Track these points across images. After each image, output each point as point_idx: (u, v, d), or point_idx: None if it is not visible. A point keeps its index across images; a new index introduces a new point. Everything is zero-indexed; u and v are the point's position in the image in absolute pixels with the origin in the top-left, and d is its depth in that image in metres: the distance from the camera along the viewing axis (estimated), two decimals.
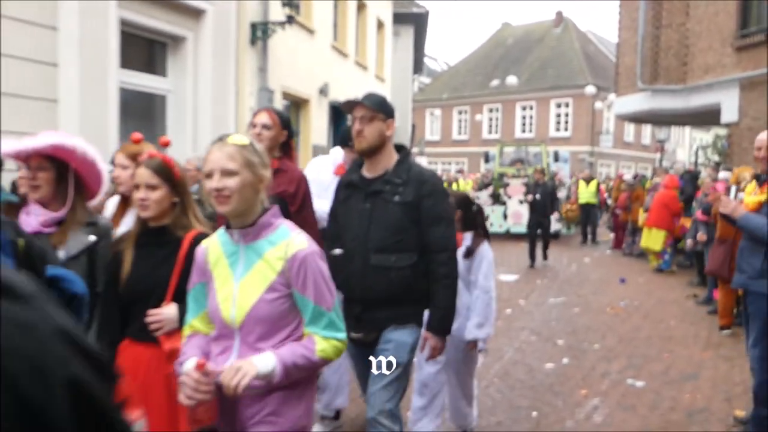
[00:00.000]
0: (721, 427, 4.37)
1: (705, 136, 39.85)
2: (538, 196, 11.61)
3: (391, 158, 2.90)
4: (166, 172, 2.43)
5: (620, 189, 14.88)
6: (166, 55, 8.49)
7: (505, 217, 16.32)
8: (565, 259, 13.06)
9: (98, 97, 6.94)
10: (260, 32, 9.59)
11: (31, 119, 5.90)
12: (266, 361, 1.93)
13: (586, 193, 16.13)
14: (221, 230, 2.11)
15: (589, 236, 16.30)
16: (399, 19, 20.35)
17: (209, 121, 8.76)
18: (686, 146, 41.58)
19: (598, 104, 29.46)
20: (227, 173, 1.95)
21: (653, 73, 13.47)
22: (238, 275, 2.02)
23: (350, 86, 14.71)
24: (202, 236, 2.33)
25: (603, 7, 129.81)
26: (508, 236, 15.72)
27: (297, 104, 12.18)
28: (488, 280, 3.68)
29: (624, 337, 6.83)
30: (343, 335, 2.07)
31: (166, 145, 3.22)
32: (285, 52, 10.70)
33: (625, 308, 8.35)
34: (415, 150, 28.47)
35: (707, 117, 13.90)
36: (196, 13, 8.53)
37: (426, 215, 2.79)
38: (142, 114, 8.31)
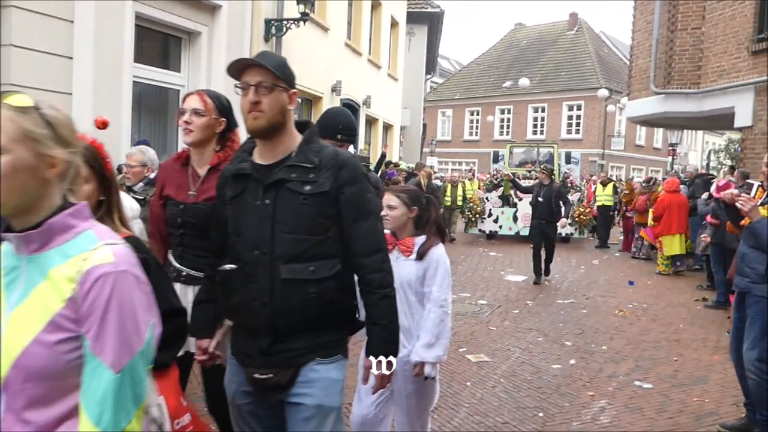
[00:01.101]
0: None
1: (718, 140, 39.59)
2: (540, 199, 10.09)
3: (293, 139, 2.21)
4: (96, 162, 1.97)
5: (634, 192, 14.75)
6: (180, 50, 8.54)
7: (515, 219, 15.92)
8: (573, 261, 13.02)
9: (112, 91, 7.00)
10: (274, 29, 9.64)
11: None
12: None
13: (603, 196, 15.89)
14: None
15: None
16: (413, 18, 20.36)
17: None
18: (698, 150, 41.33)
19: (611, 107, 29.32)
20: None
21: (666, 76, 13.40)
22: (11, 303, 1.32)
23: (363, 84, 14.76)
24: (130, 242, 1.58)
25: (617, 9, 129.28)
26: (519, 238, 15.55)
27: (309, 101, 12.22)
28: (443, 291, 3.05)
29: (632, 340, 6.81)
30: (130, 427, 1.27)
31: (104, 126, 2.74)
32: (299, 49, 10.73)
33: (634, 310, 8.32)
34: (426, 150, 28.47)
35: (720, 121, 13.82)
36: (211, 9, 8.59)
37: (348, 208, 2.17)
38: (155, 109, 8.38)
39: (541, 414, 4.60)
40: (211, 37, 8.68)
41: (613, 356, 6.16)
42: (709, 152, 27.91)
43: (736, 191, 4.23)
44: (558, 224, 10.19)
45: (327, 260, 2.16)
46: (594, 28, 40.56)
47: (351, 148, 4.02)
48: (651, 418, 4.58)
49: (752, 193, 4.21)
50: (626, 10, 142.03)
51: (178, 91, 8.46)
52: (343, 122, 3.53)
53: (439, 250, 3.09)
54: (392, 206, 3.04)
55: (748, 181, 4.41)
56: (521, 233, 15.44)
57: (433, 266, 3.04)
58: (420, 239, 3.09)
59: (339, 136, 3.41)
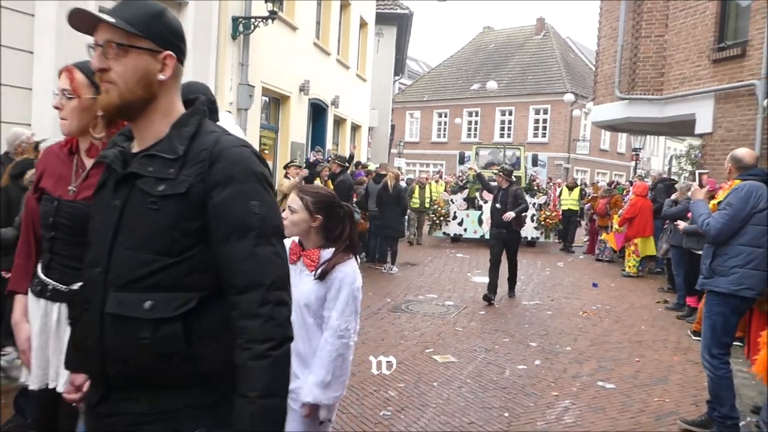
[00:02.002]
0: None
1: (679, 146, 40.50)
2: (498, 205, 8.89)
3: (171, 120, 1.62)
4: None
5: (598, 196, 14.98)
6: None
7: (480, 222, 15.61)
8: (539, 263, 13.17)
9: None
10: (242, 27, 9.54)
11: (5, 108, 5.80)
12: None
13: (569, 200, 15.82)
14: None
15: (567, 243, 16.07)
16: (382, 19, 20.37)
17: None
18: (660, 155, 42.23)
19: (576, 111, 29.78)
20: None
21: (631, 82, 13.65)
22: None
23: (331, 84, 14.72)
24: None
25: (583, 15, 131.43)
26: (485, 242, 15.54)
27: (277, 101, 12.13)
28: (345, 318, 2.53)
29: (595, 341, 6.91)
30: None
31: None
32: (266, 47, 10.65)
33: (597, 312, 8.45)
34: (394, 151, 28.52)
35: (682, 127, 14.11)
36: (178, 5, 8.46)
37: (217, 221, 1.54)
38: None
39: (506, 414, 4.63)
40: None
41: (577, 357, 6.24)
42: (671, 157, 28.53)
43: (695, 186, 4.61)
44: (504, 216, 8.63)
45: (176, 294, 1.52)
46: (561, 34, 41.16)
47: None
48: (613, 418, 4.65)
49: (698, 182, 4.55)
50: (592, 16, 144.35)
51: None
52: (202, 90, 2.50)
53: (346, 269, 2.58)
54: (293, 209, 2.61)
55: (698, 171, 4.88)
56: (487, 236, 14.90)
57: (336, 287, 2.55)
58: (326, 253, 2.60)
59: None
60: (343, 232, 2.65)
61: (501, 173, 9.28)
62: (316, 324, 2.59)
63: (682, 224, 8.48)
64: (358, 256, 2.79)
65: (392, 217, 11.07)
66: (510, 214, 8.53)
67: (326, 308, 2.56)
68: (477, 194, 16.16)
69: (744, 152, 4.36)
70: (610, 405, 4.92)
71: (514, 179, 15.79)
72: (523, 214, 8.94)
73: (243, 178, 1.56)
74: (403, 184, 12.69)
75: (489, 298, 8.57)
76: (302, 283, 2.56)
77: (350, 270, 2.60)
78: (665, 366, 6.04)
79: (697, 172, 4.74)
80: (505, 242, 8.82)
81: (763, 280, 4.00)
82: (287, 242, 2.58)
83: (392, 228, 11.13)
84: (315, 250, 2.61)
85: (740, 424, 4.23)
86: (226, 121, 2.68)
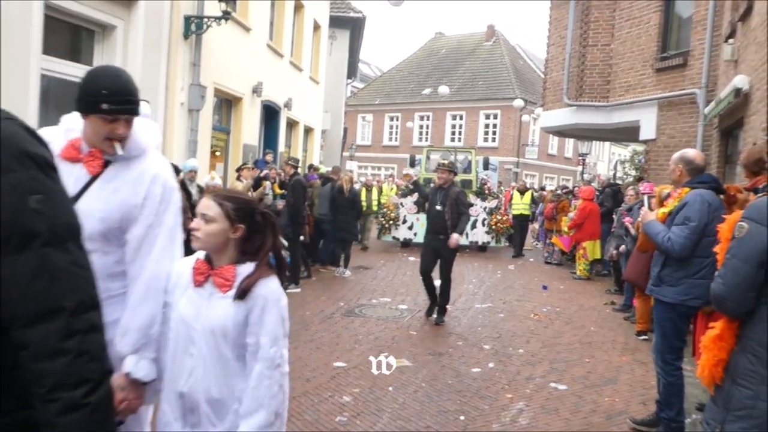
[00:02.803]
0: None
1: (623, 152, 41.68)
2: (438, 207, 7.70)
3: None
4: None
5: (547, 200, 15.23)
6: (93, 44, 8.16)
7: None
8: (490, 266, 13.34)
9: (18, 84, 6.60)
10: (194, 26, 9.38)
11: None
12: None
13: (520, 205, 15.75)
14: None
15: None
16: (335, 22, 20.36)
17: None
18: (606, 160, 43.38)
19: (525, 117, 30.33)
20: None
21: (578, 89, 13.99)
22: None
23: (284, 86, 14.60)
24: None
25: (532, 23, 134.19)
26: None
27: (230, 102, 11.96)
28: (278, 343, 2.13)
29: (547, 343, 7.04)
30: None
31: None
32: (219, 48, 10.49)
33: (548, 314, 8.61)
34: (346, 154, 28.49)
35: (627, 133, 14.56)
36: (128, 2, 8.25)
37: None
38: (65, 104, 7.93)
39: (462, 417, 4.66)
40: (127, 31, 8.33)
41: (529, 359, 6.34)
42: (616, 162, 29.35)
43: (643, 208, 4.56)
44: (450, 242, 7.53)
45: None
46: (510, 41, 41.88)
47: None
48: (566, 419, 4.74)
49: (645, 205, 4.52)
50: (541, 24, 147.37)
51: None
52: (107, 86, 2.21)
53: (271, 285, 2.17)
54: (209, 217, 2.15)
55: (641, 192, 4.88)
56: None
57: (260, 307, 2.12)
58: (245, 269, 2.17)
59: (104, 106, 2.18)
60: (265, 244, 2.24)
61: (442, 167, 7.99)
62: (235, 356, 2.13)
63: (614, 253, 8.73)
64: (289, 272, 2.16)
65: (346, 221, 11.05)
66: (456, 238, 7.51)
67: (249, 333, 2.12)
68: None
69: (695, 153, 4.30)
70: (562, 406, 5.01)
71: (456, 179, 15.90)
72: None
73: (13, 165, 1.14)
74: (357, 187, 12.62)
75: (429, 312, 7.97)
76: (214, 308, 2.13)
77: (275, 286, 2.19)
78: (614, 366, 6.20)
79: (644, 198, 4.73)
80: (439, 251, 7.75)
81: (709, 289, 4.08)
82: (191, 259, 2.25)
83: (346, 231, 11.10)
84: (229, 267, 2.17)
85: (686, 422, 4.36)
86: (144, 110, 2.47)
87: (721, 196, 4.20)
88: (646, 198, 4.61)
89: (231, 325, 2.11)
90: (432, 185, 8.70)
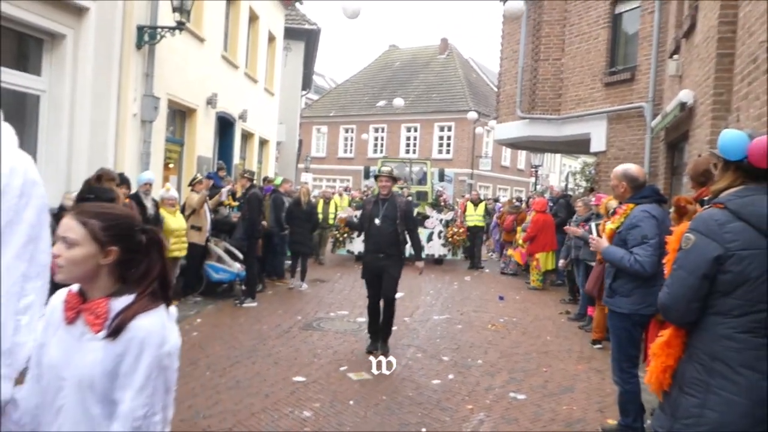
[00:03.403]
0: None
1: (574, 163, 42.67)
2: (377, 221, 6.64)
3: None
4: None
5: (505, 212, 15.29)
6: (41, 53, 7.93)
7: None
8: (447, 278, 13.43)
9: None
10: (147, 36, 9.20)
11: None
12: None
13: (474, 216, 15.63)
14: None
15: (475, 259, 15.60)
16: (290, 33, 20.29)
17: (87, 127, 8.27)
18: (557, 172, 44.31)
19: (479, 129, 30.74)
20: None
21: (531, 102, 14.30)
22: None
23: (239, 98, 14.46)
24: None
25: (484, 37, 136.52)
26: None
27: (183, 113, 11.78)
28: (146, 398, 1.69)
29: (505, 353, 7.11)
30: None
31: None
32: (173, 59, 10.33)
33: (505, 325, 8.70)
34: (301, 166, 28.34)
35: (579, 145, 14.91)
36: (78, 11, 8.06)
37: None
38: (11, 114, 7.68)
39: (423, 429, 4.66)
40: (77, 40, 8.13)
41: (488, 369, 6.39)
42: (567, 174, 30.01)
43: (579, 231, 4.66)
44: (418, 265, 6.99)
45: None
46: (463, 54, 42.48)
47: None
48: (526, 428, 4.79)
49: (594, 234, 4.60)
50: (493, 38, 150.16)
51: (38, 96, 7.84)
52: None
53: (150, 323, 1.72)
54: (70, 240, 1.76)
55: (590, 224, 5.00)
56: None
57: (134, 351, 1.68)
58: (122, 302, 1.75)
59: None
60: (150, 270, 1.81)
61: (382, 175, 6.86)
62: (105, 415, 1.70)
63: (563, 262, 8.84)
64: (175, 303, 1.74)
65: (302, 233, 10.98)
66: (421, 265, 7.01)
67: (119, 387, 1.68)
68: None
69: (636, 170, 4.41)
70: (522, 415, 5.06)
71: (403, 188, 15.06)
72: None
73: None
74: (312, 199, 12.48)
75: (371, 349, 6.80)
76: (83, 354, 1.71)
77: (157, 325, 1.73)
78: (571, 375, 6.29)
79: (591, 224, 4.85)
80: (382, 272, 6.67)
81: None
82: (60, 295, 1.88)
83: (302, 244, 11.02)
84: (102, 300, 1.75)
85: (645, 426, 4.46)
86: None
87: (668, 207, 4.37)
88: (593, 225, 4.72)
89: (99, 374, 1.68)
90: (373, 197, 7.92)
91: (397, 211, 6.66)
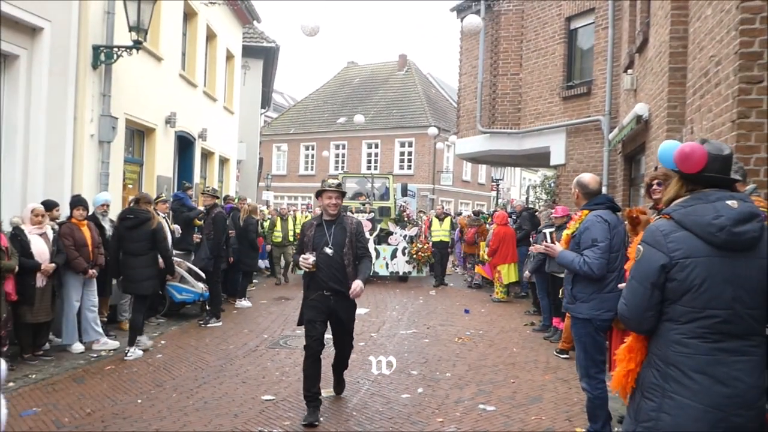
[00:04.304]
0: None
1: (533, 176, 43.33)
2: (328, 249, 5.21)
3: None
4: None
5: (466, 225, 15.35)
6: None
7: None
8: (412, 292, 13.45)
9: None
10: (104, 56, 9.06)
11: None
12: None
13: (440, 231, 15.17)
14: None
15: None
16: (248, 51, 20.24)
17: (43, 148, 8.10)
18: (518, 185, 44.95)
19: (439, 144, 31.04)
20: None
21: (491, 117, 14.51)
22: None
23: (198, 116, 14.33)
24: None
25: (442, 53, 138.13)
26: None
27: (142, 133, 11.60)
28: None
29: (473, 365, 7.14)
30: None
31: None
32: (130, 78, 10.19)
33: (472, 337, 8.74)
34: (262, 184, 28.14)
35: (539, 159, 15.17)
36: (31, 31, 7.93)
37: None
38: None
39: None
40: (30, 60, 7.98)
41: (457, 382, 6.40)
42: (528, 187, 30.47)
43: (541, 247, 4.78)
44: (352, 290, 5.05)
45: None
46: (422, 70, 42.92)
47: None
48: None
49: (548, 240, 4.72)
50: (451, 54, 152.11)
51: None
52: None
53: None
54: None
55: (543, 231, 5.15)
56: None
57: None
58: None
59: None
60: None
61: (329, 189, 5.28)
62: None
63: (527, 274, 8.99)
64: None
65: (243, 251, 11.18)
66: (358, 286, 5.07)
67: None
68: None
69: (588, 178, 4.61)
70: (492, 426, 5.08)
71: (365, 203, 14.84)
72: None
73: None
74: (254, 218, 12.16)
75: (310, 423, 4.94)
76: None
77: None
78: (538, 385, 6.35)
79: (546, 231, 4.98)
80: (333, 314, 5.29)
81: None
82: None
83: (242, 262, 11.15)
84: None
85: None
86: None
87: (621, 215, 4.54)
88: (547, 233, 4.85)
89: None
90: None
91: (346, 235, 5.26)
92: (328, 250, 5.19)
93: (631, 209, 4.55)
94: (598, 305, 4.31)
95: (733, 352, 2.36)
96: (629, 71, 9.67)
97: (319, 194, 5.38)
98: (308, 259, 5.15)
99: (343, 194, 5.46)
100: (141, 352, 7.21)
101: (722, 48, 5.05)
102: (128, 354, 7.07)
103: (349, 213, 14.79)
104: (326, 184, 5.34)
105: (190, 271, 9.54)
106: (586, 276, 4.29)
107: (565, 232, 4.66)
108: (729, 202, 2.41)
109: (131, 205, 7.70)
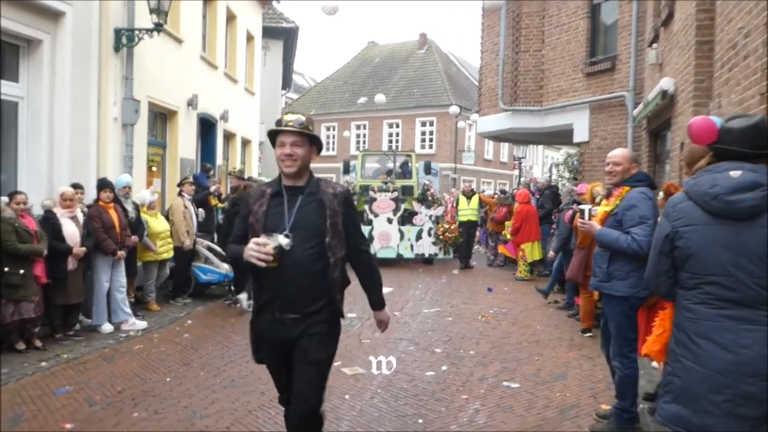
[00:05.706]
0: (591, 421, 4.68)
1: (556, 155, 42.90)
2: (283, 238, 2.90)
3: None
4: None
5: (496, 203, 14.77)
6: (18, 59, 7.83)
7: (371, 239, 13.58)
8: (435, 270, 13.46)
9: None
10: (125, 39, 9.12)
11: None
12: None
13: (468, 210, 14.69)
14: None
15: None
16: (268, 32, 20.20)
17: (68, 132, 8.19)
18: (540, 164, 44.54)
19: (461, 123, 30.83)
20: None
21: (513, 94, 14.34)
22: None
23: (220, 98, 14.38)
24: None
25: (463, 31, 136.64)
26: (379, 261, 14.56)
27: (164, 116, 11.69)
28: None
29: (496, 343, 7.15)
30: None
31: None
32: (152, 61, 10.24)
33: (495, 315, 8.74)
34: None
35: (561, 136, 14.99)
36: (54, 15, 7.98)
37: None
38: None
39: (420, 420, 4.68)
40: (54, 45, 8.04)
41: (481, 360, 6.42)
42: (551, 165, 30.19)
43: (588, 223, 4.55)
44: (381, 318, 3.72)
45: None
46: (442, 48, 42.53)
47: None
48: (521, 416, 4.82)
49: (587, 217, 4.53)
50: (472, 32, 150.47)
51: (17, 103, 7.75)
52: None
53: None
54: None
55: (580, 207, 4.95)
56: (378, 255, 13.42)
57: None
58: None
59: None
60: None
61: (287, 128, 3.07)
62: None
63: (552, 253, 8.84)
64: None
65: None
66: (386, 317, 3.73)
67: None
68: (366, 207, 14.29)
69: (634, 153, 4.57)
70: (517, 403, 5.09)
71: (387, 182, 14.67)
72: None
73: None
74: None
75: None
76: None
77: None
78: (563, 362, 6.34)
79: (585, 208, 4.70)
80: (292, 350, 3.12)
81: None
82: None
83: None
84: None
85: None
86: None
87: (657, 192, 4.45)
88: (587, 210, 4.64)
89: None
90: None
91: (325, 212, 3.06)
92: (283, 241, 2.91)
93: (669, 184, 4.47)
94: (636, 283, 4.18)
95: (741, 320, 2.41)
96: (654, 45, 9.48)
97: (273, 137, 3.15)
98: (265, 245, 2.87)
99: (313, 139, 3.13)
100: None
101: (751, 19, 4.92)
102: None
103: (371, 192, 14.48)
104: (284, 120, 3.10)
105: (215, 252, 9.65)
106: (633, 254, 4.13)
107: (602, 209, 4.47)
108: (732, 173, 2.47)
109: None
